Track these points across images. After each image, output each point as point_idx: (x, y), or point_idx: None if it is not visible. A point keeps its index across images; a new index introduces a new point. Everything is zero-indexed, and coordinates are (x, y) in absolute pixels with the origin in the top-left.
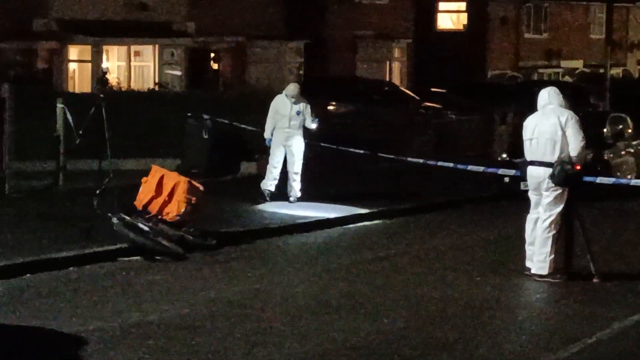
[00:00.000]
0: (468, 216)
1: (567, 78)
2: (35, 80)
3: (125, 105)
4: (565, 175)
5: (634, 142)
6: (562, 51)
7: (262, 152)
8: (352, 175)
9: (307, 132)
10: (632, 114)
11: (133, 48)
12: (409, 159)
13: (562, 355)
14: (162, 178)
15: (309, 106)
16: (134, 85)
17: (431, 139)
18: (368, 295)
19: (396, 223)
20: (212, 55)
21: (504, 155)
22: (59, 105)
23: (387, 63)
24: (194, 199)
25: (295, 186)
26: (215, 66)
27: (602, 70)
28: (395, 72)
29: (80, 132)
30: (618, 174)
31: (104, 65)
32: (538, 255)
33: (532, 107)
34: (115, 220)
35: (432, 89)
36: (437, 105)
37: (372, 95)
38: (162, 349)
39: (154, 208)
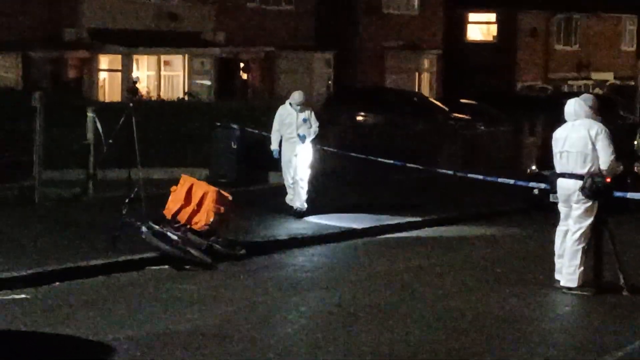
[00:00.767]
0: (497, 228)
1: (598, 90)
2: (66, 89)
3: (155, 114)
4: (595, 188)
5: None
6: (592, 63)
7: None
8: (381, 185)
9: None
10: None
11: (163, 58)
12: (438, 170)
13: None
14: (191, 187)
15: (313, 112)
16: (163, 95)
17: (460, 150)
18: (396, 305)
19: (425, 234)
20: (242, 65)
21: (533, 167)
22: (90, 114)
23: (416, 74)
24: (222, 208)
25: (302, 194)
26: (244, 76)
27: (632, 82)
28: (425, 83)
29: (110, 141)
30: None
31: (134, 74)
32: (567, 268)
33: (561, 119)
34: (144, 229)
35: (461, 100)
36: (466, 117)
37: (401, 106)
38: (190, 359)
39: (182, 217)
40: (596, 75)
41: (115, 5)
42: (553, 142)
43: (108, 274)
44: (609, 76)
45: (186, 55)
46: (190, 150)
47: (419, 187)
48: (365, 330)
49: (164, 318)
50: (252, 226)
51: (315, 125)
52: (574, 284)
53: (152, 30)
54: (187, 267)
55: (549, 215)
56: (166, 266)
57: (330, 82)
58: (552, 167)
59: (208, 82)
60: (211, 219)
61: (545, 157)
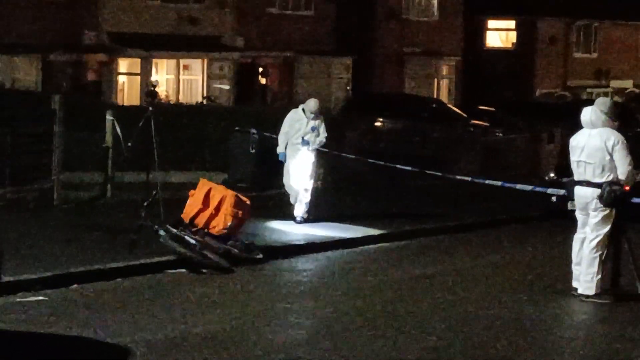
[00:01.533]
0: (515, 235)
1: (617, 98)
2: (85, 92)
3: (174, 118)
4: (613, 196)
5: None
6: (611, 71)
7: None
8: (398, 191)
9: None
10: None
11: (182, 61)
12: (457, 176)
13: None
14: (209, 191)
15: (324, 123)
16: (182, 99)
17: (478, 157)
18: (414, 312)
19: (443, 240)
20: (260, 69)
21: (552, 175)
22: (109, 118)
23: (435, 80)
24: (240, 212)
25: (304, 204)
26: (263, 80)
27: None
28: (443, 89)
29: (129, 144)
30: None
31: (153, 78)
32: (585, 276)
33: (579, 127)
34: (162, 232)
35: (480, 107)
36: (485, 124)
37: (420, 112)
38: None
39: (200, 221)
40: (615, 83)
41: (135, 10)
42: (570, 150)
43: (126, 276)
44: (628, 84)
45: (205, 60)
46: (209, 154)
47: (436, 193)
48: (383, 337)
49: (181, 321)
50: (270, 230)
51: (323, 135)
52: (591, 292)
53: (172, 34)
54: (205, 270)
55: (567, 222)
56: (184, 270)
57: (348, 87)
58: (570, 174)
59: (227, 87)
60: (229, 223)
61: (564, 164)
